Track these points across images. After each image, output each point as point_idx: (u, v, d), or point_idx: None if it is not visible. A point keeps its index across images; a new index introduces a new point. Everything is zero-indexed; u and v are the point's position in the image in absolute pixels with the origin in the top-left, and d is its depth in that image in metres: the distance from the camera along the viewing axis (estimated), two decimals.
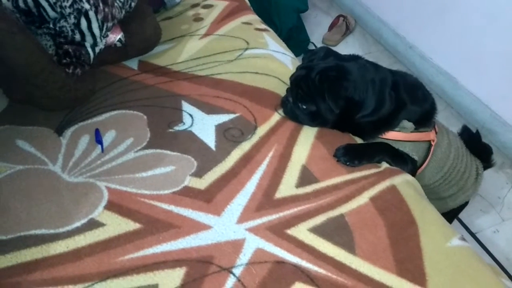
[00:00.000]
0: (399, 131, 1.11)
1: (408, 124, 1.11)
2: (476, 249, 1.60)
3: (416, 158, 1.13)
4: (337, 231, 0.94)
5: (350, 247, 0.91)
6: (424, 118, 1.13)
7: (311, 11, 2.56)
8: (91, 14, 1.06)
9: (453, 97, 2.15)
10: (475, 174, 1.29)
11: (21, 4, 1.03)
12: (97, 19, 1.08)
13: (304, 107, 1.10)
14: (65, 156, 1.02)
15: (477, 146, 1.35)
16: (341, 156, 1.07)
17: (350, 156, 1.07)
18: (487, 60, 1.92)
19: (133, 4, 1.17)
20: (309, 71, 1.08)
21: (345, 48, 2.51)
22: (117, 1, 1.12)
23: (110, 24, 1.11)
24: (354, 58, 1.14)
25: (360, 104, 1.07)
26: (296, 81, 1.11)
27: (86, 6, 1.06)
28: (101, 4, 1.08)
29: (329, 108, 1.07)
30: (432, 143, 1.15)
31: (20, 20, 1.02)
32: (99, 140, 1.05)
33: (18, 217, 0.89)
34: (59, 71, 1.05)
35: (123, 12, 1.15)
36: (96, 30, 1.08)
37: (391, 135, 1.12)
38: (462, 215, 1.53)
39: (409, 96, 1.11)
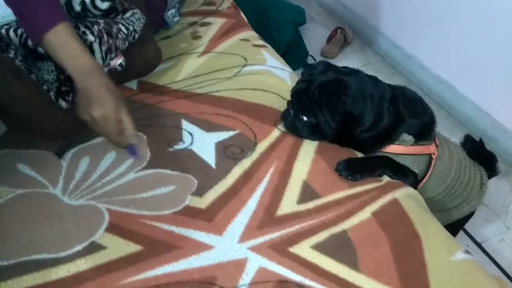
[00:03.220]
0: (399, 144, 1.11)
1: (408, 137, 1.10)
2: (482, 259, 1.58)
3: (416, 171, 1.13)
4: (340, 248, 0.93)
5: (353, 263, 0.91)
6: (424, 132, 1.13)
7: (309, 24, 2.58)
8: (95, 46, 1.06)
9: (453, 106, 2.15)
10: (479, 184, 1.28)
11: (29, 42, 1.03)
12: (101, 51, 1.07)
13: (305, 119, 1.10)
14: (66, 178, 1.02)
15: (481, 154, 1.34)
16: (343, 170, 1.07)
17: (352, 170, 1.07)
18: (486, 68, 1.92)
19: (136, 36, 1.17)
20: (309, 84, 1.09)
21: (344, 60, 2.52)
22: (121, 33, 1.12)
23: (113, 55, 1.11)
24: (354, 72, 1.14)
25: (358, 119, 1.07)
26: (297, 94, 1.11)
27: (91, 38, 1.06)
28: (105, 36, 1.08)
29: (327, 122, 1.07)
30: (433, 156, 1.15)
31: (19, 57, 1.02)
32: (132, 151, 1.01)
33: (19, 242, 0.89)
34: (57, 111, 1.05)
35: (127, 43, 1.15)
36: (99, 61, 1.08)
37: (391, 149, 1.11)
38: (466, 225, 1.51)
39: (407, 110, 1.10)
